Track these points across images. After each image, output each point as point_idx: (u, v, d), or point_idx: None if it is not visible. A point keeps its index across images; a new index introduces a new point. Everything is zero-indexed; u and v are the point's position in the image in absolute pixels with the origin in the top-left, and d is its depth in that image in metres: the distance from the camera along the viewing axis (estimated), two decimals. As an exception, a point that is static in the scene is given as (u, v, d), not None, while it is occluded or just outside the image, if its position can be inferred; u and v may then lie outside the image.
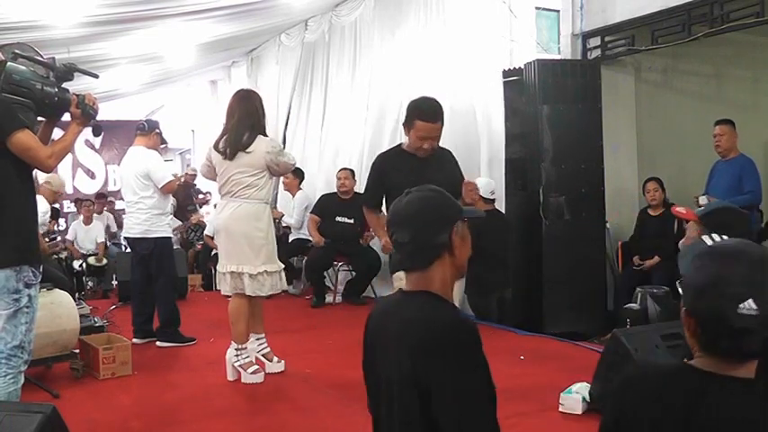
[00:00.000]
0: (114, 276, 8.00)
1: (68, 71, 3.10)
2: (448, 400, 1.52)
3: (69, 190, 13.06)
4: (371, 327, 1.80)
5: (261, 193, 4.15)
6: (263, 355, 4.31)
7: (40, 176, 5.92)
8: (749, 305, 1.24)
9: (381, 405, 1.70)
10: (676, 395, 1.33)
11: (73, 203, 11.80)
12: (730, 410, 1.28)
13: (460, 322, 1.61)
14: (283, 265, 4.34)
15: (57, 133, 3.32)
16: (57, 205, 12.13)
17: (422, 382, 1.54)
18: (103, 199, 10.86)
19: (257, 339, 4.33)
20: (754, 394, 1.29)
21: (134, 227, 5.22)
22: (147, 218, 5.17)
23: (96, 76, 3.45)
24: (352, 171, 7.15)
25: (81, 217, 9.23)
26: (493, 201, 5.65)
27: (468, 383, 1.53)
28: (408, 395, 1.57)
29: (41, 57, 3.12)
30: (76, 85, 3.19)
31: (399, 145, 3.97)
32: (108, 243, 9.46)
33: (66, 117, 3.15)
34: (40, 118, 3.11)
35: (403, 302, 1.74)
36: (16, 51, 3.01)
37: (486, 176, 5.88)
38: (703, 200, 5.54)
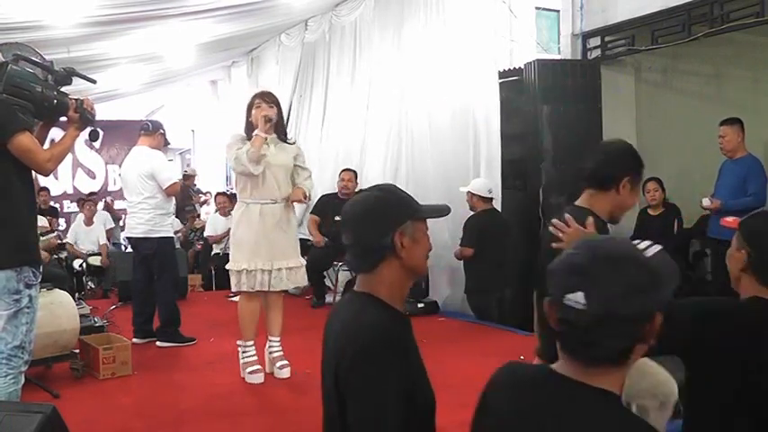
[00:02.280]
0: (113, 276, 8.01)
1: (67, 75, 3.10)
2: (354, 413, 1.49)
3: (69, 190, 13.08)
4: (326, 326, 1.77)
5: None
6: (272, 358, 4.32)
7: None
8: (576, 298, 1.16)
9: (324, 403, 1.69)
10: (527, 397, 1.25)
11: (75, 203, 11.81)
12: (575, 422, 1.18)
13: (383, 333, 1.54)
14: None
15: (55, 133, 3.32)
16: (57, 205, 12.21)
17: (341, 388, 1.52)
18: (93, 197, 10.83)
19: (271, 340, 4.33)
20: (600, 406, 1.19)
21: (137, 227, 5.21)
22: (150, 218, 5.16)
23: (94, 82, 3.47)
24: (355, 172, 7.15)
25: (82, 217, 9.22)
26: (491, 200, 5.66)
27: (374, 399, 1.47)
28: (333, 399, 1.56)
29: (41, 57, 3.12)
30: (75, 88, 3.19)
31: None
32: (108, 243, 9.46)
33: (66, 118, 3.15)
34: (37, 120, 3.11)
35: (346, 304, 1.72)
36: (17, 53, 3.01)
37: (486, 176, 5.89)
38: (706, 201, 5.54)
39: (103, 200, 12.25)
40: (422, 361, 1.63)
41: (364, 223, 1.66)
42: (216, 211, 8.94)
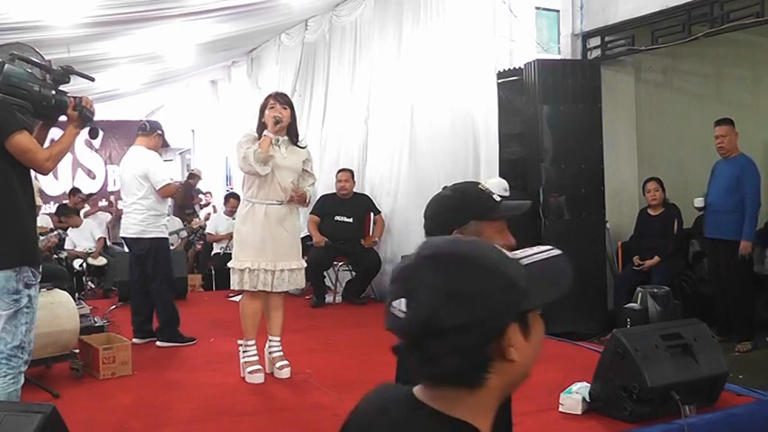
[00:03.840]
0: (113, 276, 8.01)
1: (65, 74, 3.09)
2: None
3: (69, 190, 13.07)
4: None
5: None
6: (272, 358, 4.32)
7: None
8: (400, 305, 0.99)
9: None
10: (380, 423, 1.07)
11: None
12: None
13: None
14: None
15: (55, 133, 3.32)
16: (56, 205, 12.19)
17: None
18: (76, 195, 10.80)
19: (271, 340, 4.33)
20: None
21: (131, 227, 5.22)
22: (143, 218, 5.17)
23: (92, 80, 3.45)
24: (351, 172, 7.15)
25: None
26: (507, 198, 5.65)
27: None
28: None
29: (41, 57, 3.12)
30: (74, 87, 3.19)
31: None
32: (109, 242, 9.45)
33: (65, 118, 3.14)
34: (37, 120, 3.11)
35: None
36: (14, 53, 3.00)
37: (485, 176, 5.88)
38: (698, 202, 5.55)
39: (104, 199, 12.25)
40: None
41: (434, 221, 1.69)
42: (224, 212, 8.93)
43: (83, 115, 3.09)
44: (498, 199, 1.78)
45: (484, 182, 5.89)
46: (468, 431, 1.00)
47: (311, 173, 4.37)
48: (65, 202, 10.71)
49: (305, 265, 4.37)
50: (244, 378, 4.20)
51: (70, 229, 8.95)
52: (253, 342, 4.23)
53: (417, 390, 1.05)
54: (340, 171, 7.14)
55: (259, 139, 4.09)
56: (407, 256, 1.05)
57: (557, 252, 1.08)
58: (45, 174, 3.20)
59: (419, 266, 1.01)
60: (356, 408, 1.15)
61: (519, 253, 1.07)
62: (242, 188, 4.37)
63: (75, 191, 11.13)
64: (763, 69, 6.99)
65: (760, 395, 3.54)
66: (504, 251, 1.06)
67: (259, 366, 4.20)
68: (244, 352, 4.23)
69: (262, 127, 4.15)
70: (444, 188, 1.87)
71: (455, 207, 1.73)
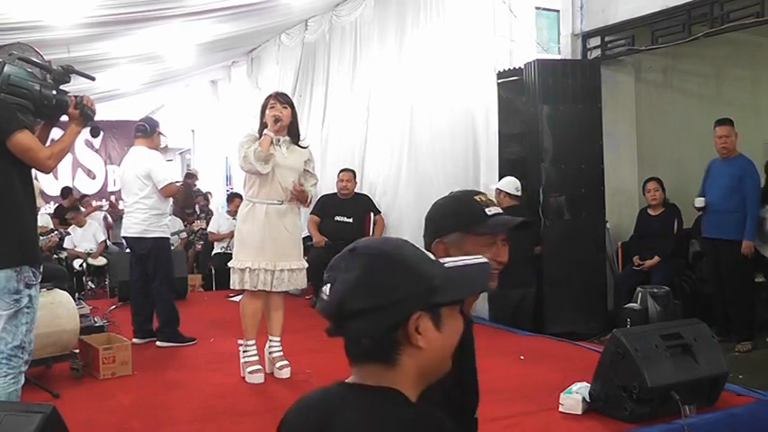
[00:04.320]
0: (114, 276, 8.01)
1: (65, 73, 3.09)
2: None
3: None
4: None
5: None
6: (272, 358, 4.32)
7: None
8: (326, 290, 1.16)
9: None
10: (314, 409, 1.20)
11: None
12: (352, 419, 1.12)
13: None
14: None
15: (56, 133, 3.32)
16: (56, 205, 12.20)
17: None
18: (71, 196, 10.83)
19: (271, 340, 4.33)
20: (376, 400, 1.14)
21: (132, 226, 5.22)
22: (145, 218, 5.17)
23: (93, 79, 3.45)
24: (353, 172, 7.15)
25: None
26: (518, 197, 5.65)
27: None
28: None
29: (41, 57, 3.11)
30: (75, 87, 3.19)
31: None
32: (108, 242, 9.46)
33: (66, 118, 3.14)
34: (38, 120, 3.11)
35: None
36: (14, 53, 3.00)
37: (485, 176, 5.89)
38: (699, 202, 5.55)
39: (104, 199, 12.25)
40: None
41: (425, 227, 1.69)
42: (226, 212, 8.93)
43: (84, 114, 3.09)
44: (492, 213, 1.67)
45: (491, 186, 5.89)
46: (390, 393, 1.14)
47: (313, 173, 4.37)
48: (59, 203, 10.73)
49: (306, 265, 4.36)
50: (244, 378, 4.20)
51: (73, 227, 8.96)
52: (253, 342, 4.23)
53: (348, 379, 1.20)
54: (342, 171, 7.13)
55: (260, 138, 4.10)
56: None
57: (482, 260, 1.24)
58: (47, 172, 3.21)
59: (341, 258, 1.17)
60: (289, 410, 1.26)
61: (449, 259, 1.22)
62: (243, 188, 4.37)
63: (67, 191, 11.13)
64: (763, 69, 6.99)
65: (760, 395, 3.54)
66: (427, 254, 1.21)
67: (259, 366, 4.20)
68: (244, 352, 4.24)
69: (263, 127, 4.15)
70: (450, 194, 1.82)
71: (443, 215, 1.69)
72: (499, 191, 5.62)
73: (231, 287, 4.40)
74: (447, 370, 1.21)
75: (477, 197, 1.72)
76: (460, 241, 1.63)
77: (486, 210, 1.69)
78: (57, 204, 11.16)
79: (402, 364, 1.15)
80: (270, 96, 4.24)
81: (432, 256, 1.22)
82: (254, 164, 4.01)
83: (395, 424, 1.11)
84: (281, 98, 4.21)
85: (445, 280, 1.16)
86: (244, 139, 4.17)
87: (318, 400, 1.23)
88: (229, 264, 4.29)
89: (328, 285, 1.16)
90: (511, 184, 5.66)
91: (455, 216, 1.67)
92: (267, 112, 4.13)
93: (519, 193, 5.66)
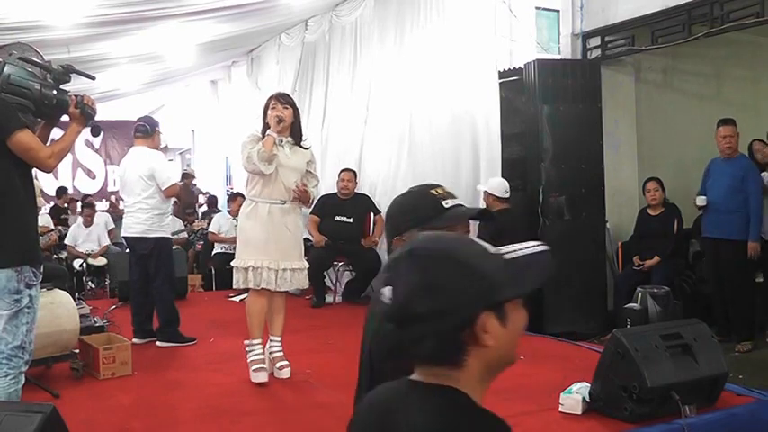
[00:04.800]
0: (114, 276, 8.02)
1: (65, 72, 3.09)
2: None
3: (69, 190, 13.07)
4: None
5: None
6: (272, 358, 4.32)
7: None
8: (386, 293, 1.13)
9: None
10: (379, 410, 1.19)
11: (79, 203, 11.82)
12: (415, 417, 1.12)
13: None
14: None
15: (57, 133, 3.32)
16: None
17: None
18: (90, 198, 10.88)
19: (272, 340, 4.33)
20: (439, 399, 1.13)
21: (134, 226, 5.22)
22: (147, 218, 5.16)
23: (93, 78, 3.44)
24: (354, 172, 7.15)
25: (80, 219, 9.21)
26: (507, 200, 5.63)
27: None
28: None
29: (41, 57, 3.11)
30: (75, 86, 3.19)
31: None
32: (109, 243, 9.46)
33: (66, 118, 3.14)
34: (39, 120, 3.11)
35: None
36: (14, 52, 3.00)
37: (486, 176, 5.89)
38: (701, 200, 5.54)
39: (104, 200, 12.25)
40: None
41: (386, 225, 1.63)
42: (228, 212, 8.93)
43: (85, 113, 3.08)
44: (449, 205, 1.63)
45: (478, 187, 5.85)
46: (455, 394, 1.12)
47: (314, 174, 4.37)
48: (53, 203, 10.74)
49: (307, 265, 4.37)
50: (246, 378, 4.19)
51: (79, 224, 8.97)
52: (258, 341, 4.23)
53: (413, 375, 1.17)
54: (343, 171, 7.13)
55: (263, 139, 4.11)
56: (399, 249, 1.18)
57: (542, 248, 1.19)
58: (48, 172, 3.21)
59: (400, 259, 1.14)
60: (359, 407, 1.27)
61: (505, 249, 1.17)
62: (245, 187, 4.38)
63: (63, 190, 11.14)
64: (763, 70, 6.99)
65: (760, 395, 3.54)
66: (486, 246, 1.17)
67: (263, 365, 4.19)
68: (249, 351, 4.23)
69: (266, 128, 4.16)
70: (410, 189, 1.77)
71: (402, 212, 1.65)
72: (487, 194, 5.57)
73: (234, 286, 4.40)
74: (514, 362, 1.19)
75: (433, 191, 1.67)
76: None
77: (444, 203, 1.64)
78: (52, 204, 11.18)
79: (468, 365, 1.13)
80: (271, 97, 4.25)
81: (491, 249, 1.17)
82: (258, 164, 4.02)
83: (457, 429, 1.10)
84: (283, 99, 4.22)
85: (507, 275, 1.13)
86: (247, 140, 4.18)
87: (383, 397, 1.21)
88: (232, 263, 4.29)
89: (389, 288, 1.13)
90: (500, 187, 5.57)
91: (413, 212, 1.65)
92: (269, 112, 4.14)
93: (508, 195, 5.61)
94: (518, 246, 1.19)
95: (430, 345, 1.11)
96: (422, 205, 1.64)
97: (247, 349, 4.25)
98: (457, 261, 1.12)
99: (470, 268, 1.11)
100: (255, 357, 4.20)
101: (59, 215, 10.01)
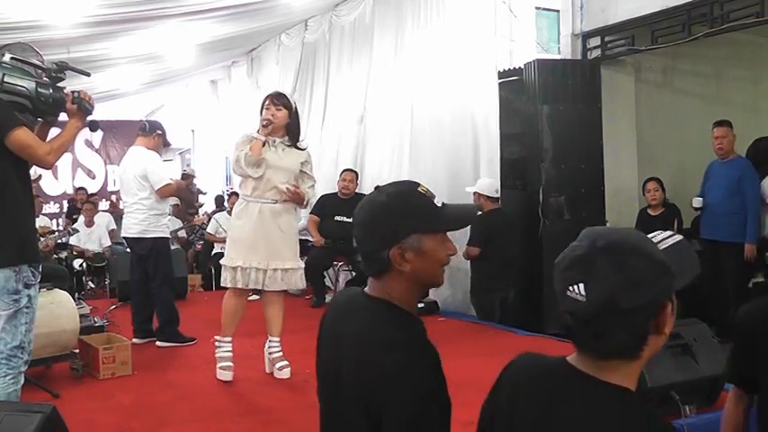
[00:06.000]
0: (114, 276, 8.02)
1: (60, 70, 3.09)
2: (400, 423, 1.40)
3: (69, 190, 13.08)
4: (327, 323, 1.67)
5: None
6: (272, 358, 4.31)
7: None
8: (578, 290, 1.16)
9: (327, 403, 1.64)
10: (541, 390, 1.25)
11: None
12: (583, 414, 1.18)
13: (421, 351, 1.46)
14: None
15: (55, 133, 3.32)
16: (57, 205, 12.21)
17: (372, 406, 1.43)
18: (93, 197, 10.89)
19: (271, 340, 4.32)
20: (607, 401, 1.18)
21: (132, 227, 5.22)
22: (144, 218, 5.16)
23: (88, 75, 3.45)
24: (356, 173, 7.14)
25: (82, 218, 9.21)
26: (498, 200, 5.64)
27: (418, 413, 1.39)
28: (356, 413, 1.46)
29: (41, 57, 3.11)
30: (75, 86, 3.19)
31: None
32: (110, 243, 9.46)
33: (64, 117, 3.14)
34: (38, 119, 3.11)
35: (360, 308, 1.57)
36: (6, 53, 3.00)
37: (486, 176, 5.89)
38: (697, 202, 5.54)
39: (104, 199, 12.25)
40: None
41: (365, 232, 1.54)
42: (227, 211, 8.92)
43: (82, 108, 3.08)
44: (440, 205, 1.56)
45: (468, 188, 5.85)
46: (625, 394, 1.20)
47: (310, 175, 4.33)
48: (65, 200, 10.76)
49: (302, 265, 4.34)
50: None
51: (80, 224, 8.96)
52: (229, 339, 4.24)
53: (573, 360, 1.24)
54: (345, 171, 7.12)
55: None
56: (576, 245, 1.23)
57: (680, 237, 1.27)
58: (48, 168, 3.20)
59: (595, 256, 1.17)
60: (509, 369, 1.35)
61: (657, 240, 1.26)
62: (239, 186, 4.39)
63: (80, 189, 11.20)
64: (763, 70, 6.99)
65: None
66: (648, 238, 1.24)
67: (230, 363, 4.21)
68: (218, 347, 4.24)
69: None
70: (377, 188, 1.60)
71: (392, 217, 1.51)
72: (478, 194, 5.59)
73: (222, 284, 4.38)
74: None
75: (420, 189, 1.57)
76: (420, 244, 1.50)
77: (435, 201, 1.56)
78: (70, 202, 11.21)
79: (642, 355, 1.20)
80: (267, 97, 4.25)
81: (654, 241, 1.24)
82: (245, 168, 4.04)
83: (620, 428, 1.16)
84: (277, 100, 4.19)
85: (675, 266, 1.19)
86: (239, 141, 4.18)
87: (545, 375, 1.28)
88: (221, 261, 4.28)
89: (580, 285, 1.15)
90: (490, 187, 5.61)
91: (411, 216, 1.51)
92: (264, 113, 4.15)
93: (498, 195, 5.64)
94: (659, 236, 1.27)
95: (622, 338, 1.16)
96: (422, 206, 1.53)
97: (216, 344, 4.25)
98: (648, 255, 1.18)
99: (659, 262, 1.18)
100: (223, 354, 4.21)
101: (72, 215, 9.99)
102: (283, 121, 4.14)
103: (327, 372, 1.61)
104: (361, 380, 1.45)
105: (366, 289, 1.60)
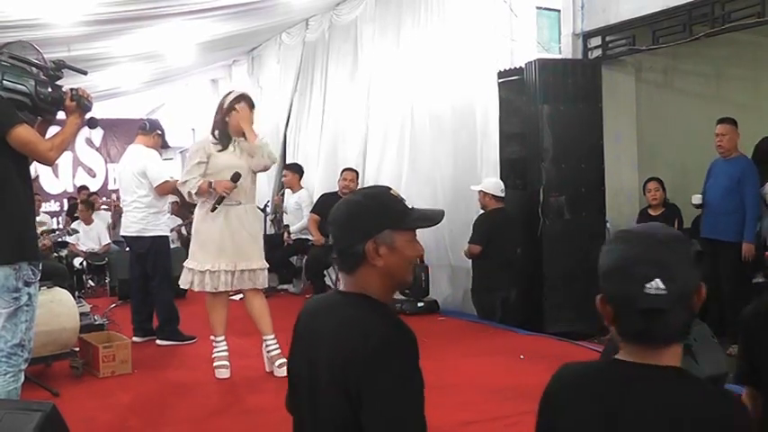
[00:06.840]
0: (108, 275, 8.04)
1: (57, 68, 3.09)
2: (377, 413, 1.49)
3: (69, 188, 13.08)
4: (303, 323, 1.79)
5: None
6: (270, 357, 4.32)
7: None
8: (656, 285, 1.24)
9: (303, 405, 1.71)
10: (600, 387, 1.33)
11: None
12: (655, 400, 1.27)
13: (397, 332, 1.57)
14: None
15: (54, 131, 3.32)
16: (57, 204, 12.21)
17: (352, 389, 1.52)
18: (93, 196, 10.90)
19: (266, 339, 4.33)
20: (676, 381, 1.30)
21: (131, 225, 5.23)
22: (143, 216, 5.17)
23: (85, 73, 3.45)
24: (356, 172, 7.14)
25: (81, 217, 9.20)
26: (502, 199, 5.64)
27: (398, 399, 1.49)
28: (336, 399, 1.55)
29: (41, 55, 3.11)
30: (75, 86, 3.19)
31: None
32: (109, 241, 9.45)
33: (62, 115, 3.14)
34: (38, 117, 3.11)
35: (339, 303, 1.71)
36: (4, 51, 3.00)
37: (485, 176, 5.89)
38: (696, 199, 5.54)
39: (105, 198, 12.24)
40: None
41: (341, 228, 1.68)
42: None
43: (81, 105, 3.08)
44: (410, 207, 1.73)
45: (473, 187, 5.88)
46: (688, 375, 1.33)
47: (259, 145, 4.23)
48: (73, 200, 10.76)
49: (266, 265, 4.34)
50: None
51: (79, 222, 8.95)
52: (221, 338, 4.30)
53: (626, 356, 1.34)
54: (345, 170, 7.11)
55: (218, 143, 4.17)
56: (624, 247, 1.35)
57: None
58: (49, 164, 3.21)
59: (661, 251, 1.29)
60: (559, 388, 1.43)
61: None
62: None
63: (82, 188, 11.19)
64: (764, 70, 6.98)
65: (760, 395, 3.54)
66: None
67: (226, 362, 4.26)
68: (214, 348, 4.31)
69: (223, 125, 4.21)
70: (353, 193, 1.85)
71: (368, 214, 1.68)
72: (484, 193, 5.61)
73: (183, 287, 4.39)
74: None
75: (392, 192, 1.75)
76: (392, 239, 1.65)
77: (405, 203, 1.73)
78: (70, 200, 11.22)
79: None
80: (234, 98, 4.29)
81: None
82: (194, 198, 4.14)
83: (683, 409, 1.27)
84: (246, 101, 4.29)
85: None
86: (194, 149, 4.26)
87: (598, 376, 1.38)
88: (185, 263, 4.28)
89: (657, 280, 1.24)
90: (496, 186, 5.63)
91: (385, 213, 1.68)
92: (232, 114, 4.19)
93: (503, 195, 5.65)
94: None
95: (685, 319, 1.29)
96: (394, 206, 1.70)
97: (213, 344, 4.32)
98: (682, 241, 1.34)
99: (689, 244, 1.35)
100: (218, 354, 4.27)
101: (73, 213, 9.98)
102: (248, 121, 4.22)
103: (303, 367, 1.72)
104: (339, 365, 1.53)
105: (340, 288, 1.74)
